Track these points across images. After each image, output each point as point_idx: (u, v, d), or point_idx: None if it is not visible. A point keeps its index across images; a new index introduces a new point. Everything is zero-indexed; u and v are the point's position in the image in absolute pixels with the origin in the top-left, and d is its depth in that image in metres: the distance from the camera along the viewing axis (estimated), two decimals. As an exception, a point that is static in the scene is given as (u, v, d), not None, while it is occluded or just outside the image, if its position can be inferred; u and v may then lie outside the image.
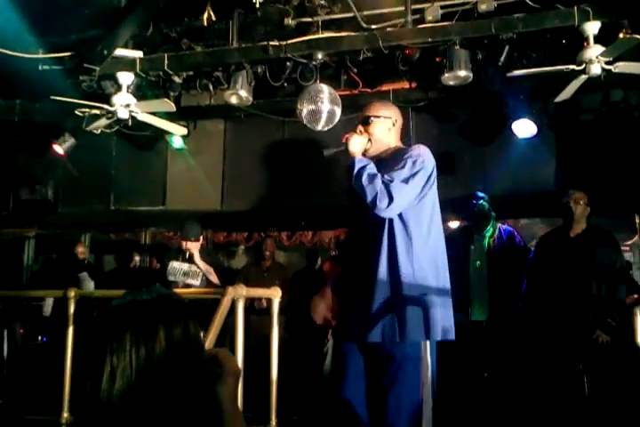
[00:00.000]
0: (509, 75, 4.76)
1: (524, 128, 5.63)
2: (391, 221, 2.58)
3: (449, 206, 6.11)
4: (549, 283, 4.24)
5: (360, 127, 2.74)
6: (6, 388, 5.35)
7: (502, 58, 4.95)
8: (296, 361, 5.46)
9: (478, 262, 4.51)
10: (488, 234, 4.58)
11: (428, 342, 2.53)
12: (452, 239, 5.27)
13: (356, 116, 2.77)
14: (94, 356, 1.06)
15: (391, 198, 2.48)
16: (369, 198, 2.50)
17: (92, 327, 1.10)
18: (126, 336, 1.06)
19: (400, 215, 2.57)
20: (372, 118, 2.75)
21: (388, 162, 2.69)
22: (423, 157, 2.62)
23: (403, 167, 2.55)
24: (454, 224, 5.92)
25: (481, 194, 4.69)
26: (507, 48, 4.90)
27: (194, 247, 5.08)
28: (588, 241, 4.29)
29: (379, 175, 2.54)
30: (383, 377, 2.54)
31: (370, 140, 2.73)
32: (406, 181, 2.53)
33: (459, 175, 6.10)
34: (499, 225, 4.70)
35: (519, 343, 4.47)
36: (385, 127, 2.77)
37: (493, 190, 4.91)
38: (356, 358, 2.64)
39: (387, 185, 2.50)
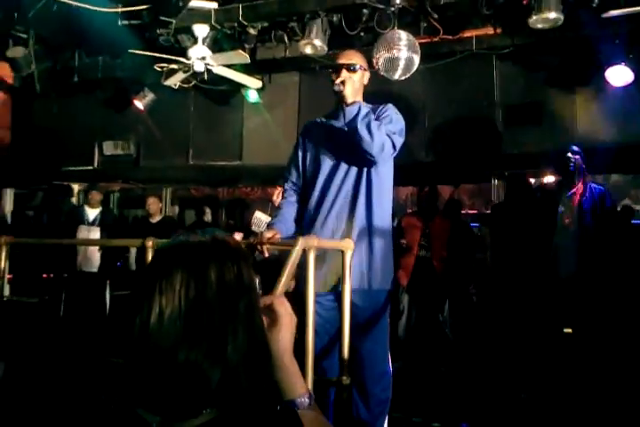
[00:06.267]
0: (604, 16, 4.41)
1: (620, 76, 5.25)
2: (369, 171, 2.65)
3: (536, 160, 5.88)
4: None
5: (346, 73, 2.64)
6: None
7: (597, -3, 4.58)
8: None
9: (567, 220, 4.27)
10: (579, 191, 4.32)
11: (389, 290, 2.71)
12: (539, 196, 5.07)
13: (338, 61, 2.69)
14: (144, 296, 1.02)
15: (394, 149, 2.60)
16: (376, 144, 2.52)
17: (144, 267, 1.06)
18: (176, 276, 1.01)
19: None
20: (359, 67, 2.70)
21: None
22: (399, 114, 2.71)
23: (392, 121, 2.63)
24: (542, 179, 5.64)
25: (576, 148, 4.38)
26: (602, -14, 4.53)
27: None
28: None
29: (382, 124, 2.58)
30: (363, 323, 2.58)
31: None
32: (400, 133, 2.64)
33: (546, 127, 5.73)
34: (589, 183, 4.42)
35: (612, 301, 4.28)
36: (364, 79, 2.76)
37: (583, 143, 4.59)
38: (333, 309, 2.58)
39: (389, 136, 2.57)
